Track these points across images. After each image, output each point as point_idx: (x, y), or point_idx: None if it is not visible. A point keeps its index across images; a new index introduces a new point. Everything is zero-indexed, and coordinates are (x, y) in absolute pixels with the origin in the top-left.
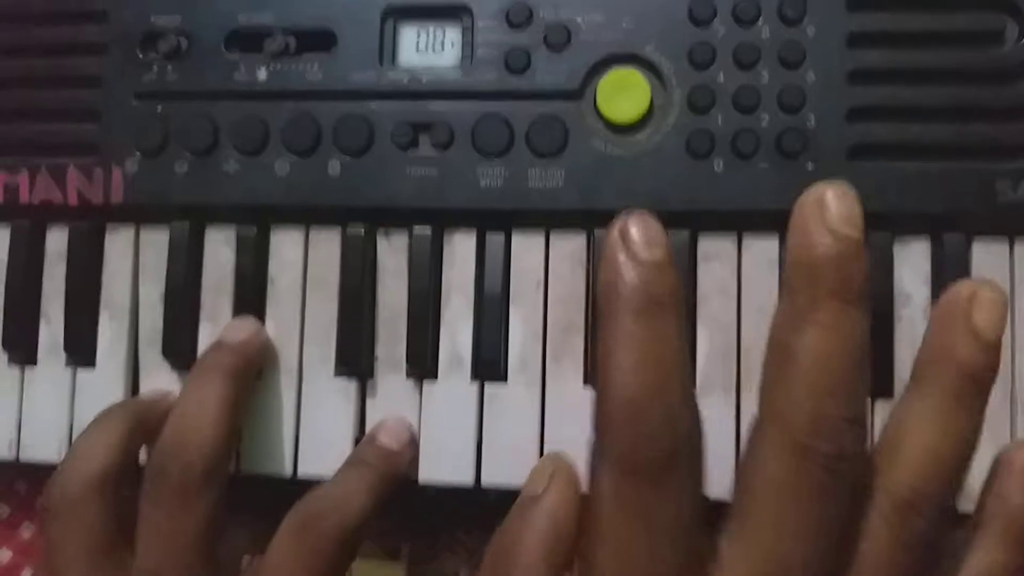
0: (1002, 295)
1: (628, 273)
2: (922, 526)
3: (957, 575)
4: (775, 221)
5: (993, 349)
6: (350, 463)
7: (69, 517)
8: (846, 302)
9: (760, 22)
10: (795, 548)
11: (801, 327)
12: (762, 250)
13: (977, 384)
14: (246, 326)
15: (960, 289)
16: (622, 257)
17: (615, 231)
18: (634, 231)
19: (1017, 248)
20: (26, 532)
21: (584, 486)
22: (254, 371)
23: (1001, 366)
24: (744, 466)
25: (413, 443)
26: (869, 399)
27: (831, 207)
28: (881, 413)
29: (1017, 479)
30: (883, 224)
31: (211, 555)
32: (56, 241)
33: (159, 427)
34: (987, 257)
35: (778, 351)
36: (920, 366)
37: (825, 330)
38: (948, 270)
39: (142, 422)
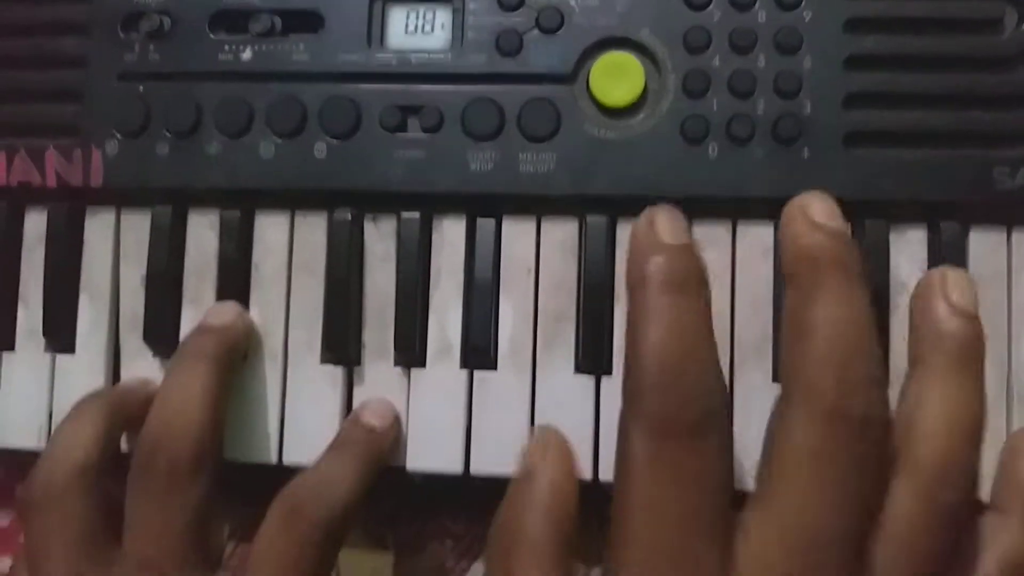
0: (967, 274)
1: (656, 255)
2: (953, 498)
3: (982, 558)
4: (770, 208)
5: (974, 319)
6: (335, 446)
7: (52, 510)
8: (848, 276)
9: (756, 7)
10: (824, 515)
11: (812, 303)
12: (757, 237)
13: (970, 352)
14: (228, 309)
15: (931, 275)
16: (650, 241)
17: (643, 220)
18: (661, 218)
19: (1015, 236)
20: (3, 519)
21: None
22: (238, 355)
23: (997, 355)
24: (771, 440)
25: (397, 422)
26: None
27: (814, 206)
28: None
29: None
30: (879, 212)
31: (202, 542)
32: (35, 224)
33: (140, 416)
34: (984, 245)
35: (794, 330)
36: (915, 350)
37: (835, 300)
38: (945, 258)
39: (122, 411)
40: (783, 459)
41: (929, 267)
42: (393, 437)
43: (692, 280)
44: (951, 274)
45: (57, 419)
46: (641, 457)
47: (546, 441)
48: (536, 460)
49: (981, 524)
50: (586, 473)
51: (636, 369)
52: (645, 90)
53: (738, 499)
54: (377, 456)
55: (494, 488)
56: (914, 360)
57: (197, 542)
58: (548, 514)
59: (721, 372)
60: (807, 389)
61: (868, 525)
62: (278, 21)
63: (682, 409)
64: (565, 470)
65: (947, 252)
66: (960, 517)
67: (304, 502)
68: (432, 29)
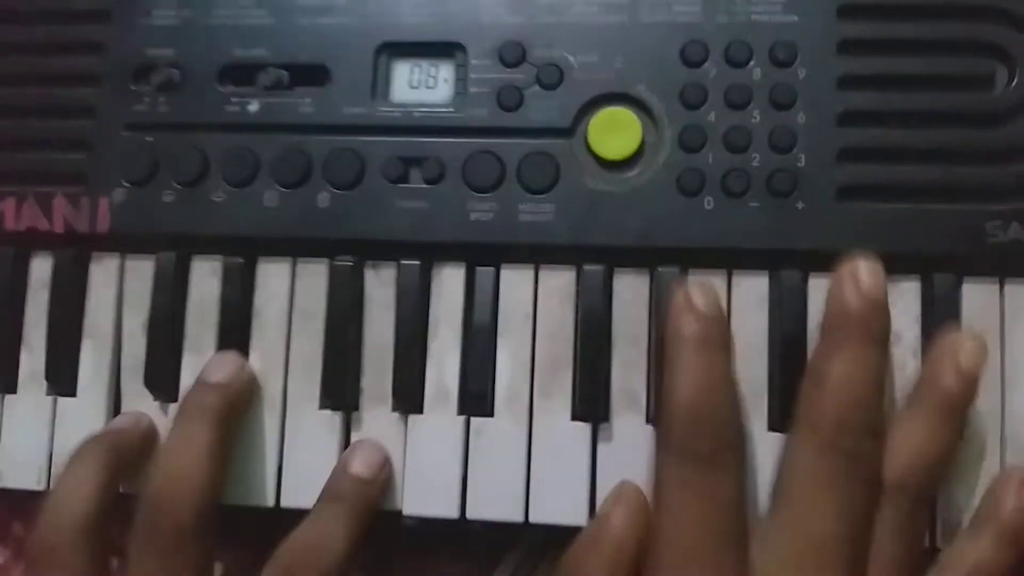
0: (984, 344)
1: (691, 319)
2: (907, 506)
3: (954, 566)
4: (765, 259)
5: (971, 382)
6: (325, 499)
7: (57, 566)
8: (868, 341)
9: (752, 64)
10: (826, 526)
11: (831, 357)
12: (752, 287)
13: (956, 407)
14: (229, 363)
15: (952, 335)
16: (688, 306)
17: (681, 294)
18: (695, 291)
19: (1007, 288)
20: None
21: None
22: (239, 412)
23: (991, 404)
24: (782, 464)
25: (387, 465)
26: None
27: (861, 272)
28: None
29: (1012, 488)
30: None
31: None
32: (40, 269)
33: (136, 458)
34: (977, 297)
35: (812, 375)
36: (916, 389)
37: (851, 359)
38: (938, 310)
39: (120, 458)
40: (791, 479)
41: (923, 319)
42: (383, 484)
43: (719, 341)
44: (968, 341)
45: (57, 461)
46: (668, 478)
47: (620, 495)
48: (607, 510)
49: (960, 537)
50: (582, 519)
51: (667, 408)
52: (642, 144)
53: None
54: (367, 507)
55: (492, 530)
56: (911, 396)
57: None
58: (608, 563)
59: (738, 412)
60: (811, 426)
61: (866, 532)
62: (285, 75)
63: (700, 440)
64: (632, 524)
65: (940, 304)
66: (916, 523)
67: (296, 566)
68: (435, 84)
